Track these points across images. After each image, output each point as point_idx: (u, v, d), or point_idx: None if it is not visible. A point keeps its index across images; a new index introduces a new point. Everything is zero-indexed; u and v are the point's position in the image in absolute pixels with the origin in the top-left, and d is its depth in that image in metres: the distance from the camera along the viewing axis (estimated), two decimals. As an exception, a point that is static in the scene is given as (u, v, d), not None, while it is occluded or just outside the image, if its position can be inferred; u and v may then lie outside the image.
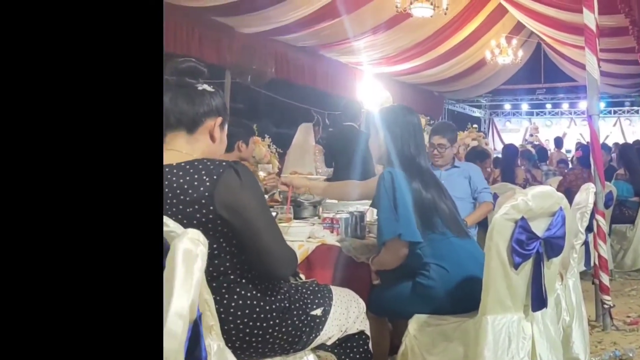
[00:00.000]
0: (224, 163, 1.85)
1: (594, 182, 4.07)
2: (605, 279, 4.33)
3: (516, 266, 2.25)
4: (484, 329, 2.23)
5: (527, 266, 2.30)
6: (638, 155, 6.60)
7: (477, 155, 6.16)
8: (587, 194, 3.34)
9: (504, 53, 11.07)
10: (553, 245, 2.36)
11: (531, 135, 15.99)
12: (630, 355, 3.64)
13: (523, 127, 17.81)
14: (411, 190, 2.56)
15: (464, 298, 2.46)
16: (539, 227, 2.31)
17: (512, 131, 17.68)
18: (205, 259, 1.52)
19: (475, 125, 8.92)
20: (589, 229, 3.37)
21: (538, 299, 2.31)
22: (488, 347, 2.20)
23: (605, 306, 4.30)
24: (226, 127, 2.05)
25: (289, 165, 5.67)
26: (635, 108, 16.56)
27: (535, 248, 2.28)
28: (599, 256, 4.34)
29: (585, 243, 3.59)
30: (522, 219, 2.23)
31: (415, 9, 7.59)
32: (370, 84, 9.84)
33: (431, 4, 7.56)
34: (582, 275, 4.70)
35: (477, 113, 17.75)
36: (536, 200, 2.27)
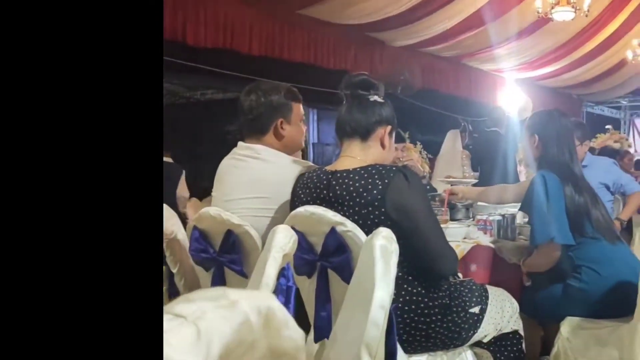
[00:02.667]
0: (394, 168, 1.92)
1: None
2: None
3: (673, 271, 2.12)
4: (639, 335, 2.11)
5: (686, 272, 2.16)
6: None
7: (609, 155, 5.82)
8: None
9: (646, 51, 10.29)
10: None
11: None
12: None
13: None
14: (564, 194, 2.46)
15: (617, 302, 2.34)
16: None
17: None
18: (398, 255, 1.56)
19: (608, 127, 8.36)
20: None
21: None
22: (644, 353, 2.09)
23: None
24: (394, 134, 2.11)
25: (439, 170, 5.66)
26: None
27: (695, 254, 2.14)
28: None
29: None
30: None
31: (557, 13, 7.23)
32: (510, 90, 9.54)
33: (572, 6, 7.19)
34: None
35: (616, 114, 16.65)
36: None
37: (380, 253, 1.52)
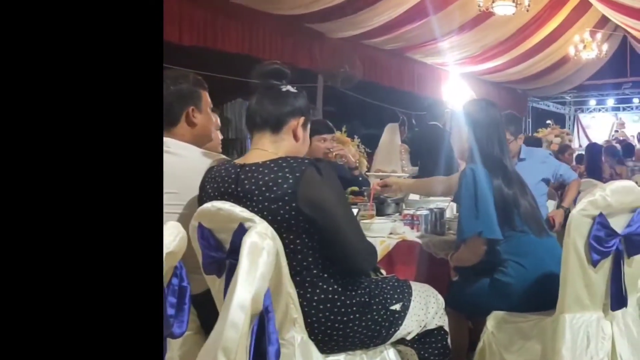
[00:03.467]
0: (306, 161, 1.85)
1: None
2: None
3: (594, 264, 2.12)
4: (561, 328, 2.11)
5: (607, 264, 2.15)
6: None
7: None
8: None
9: (588, 48, 10.52)
10: (634, 243, 2.19)
11: (617, 131, 15.21)
12: None
13: (609, 122, 16.95)
14: (492, 187, 2.45)
15: (542, 295, 2.34)
16: (618, 224, 2.15)
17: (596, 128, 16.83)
18: (272, 253, 1.51)
19: (549, 122, 8.54)
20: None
21: (618, 298, 2.16)
22: (566, 346, 2.09)
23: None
24: (309, 126, 2.05)
25: (377, 164, 5.66)
26: None
27: (614, 245, 2.13)
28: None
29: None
30: (601, 215, 2.10)
31: (498, 7, 7.34)
32: (455, 84, 9.64)
33: (513, 1, 7.29)
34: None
35: (561, 110, 17.04)
36: (615, 195, 2.12)
37: (247, 250, 1.46)
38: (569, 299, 2.13)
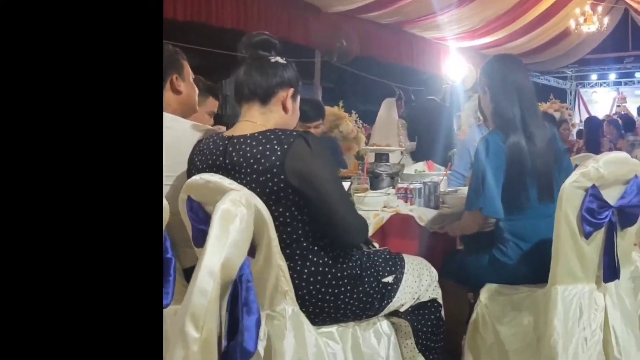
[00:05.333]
0: (294, 133, 1.85)
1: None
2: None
3: (587, 236, 2.12)
4: (553, 299, 2.12)
5: (599, 236, 2.16)
6: None
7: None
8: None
9: (588, 21, 10.45)
10: (627, 215, 2.20)
11: (618, 105, 15.15)
12: None
13: (611, 97, 16.87)
14: (505, 162, 2.38)
15: (539, 270, 2.31)
16: (611, 196, 2.15)
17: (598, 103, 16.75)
18: (246, 220, 1.50)
19: (552, 99, 8.49)
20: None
21: (610, 270, 2.17)
22: (558, 317, 2.10)
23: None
24: (298, 98, 2.04)
25: (375, 140, 5.65)
26: None
27: (607, 217, 2.13)
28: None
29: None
30: (593, 186, 2.09)
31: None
32: (453, 59, 9.58)
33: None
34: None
35: (562, 85, 16.96)
36: (608, 166, 2.12)
37: (219, 216, 1.46)
38: (561, 271, 2.14)
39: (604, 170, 2.11)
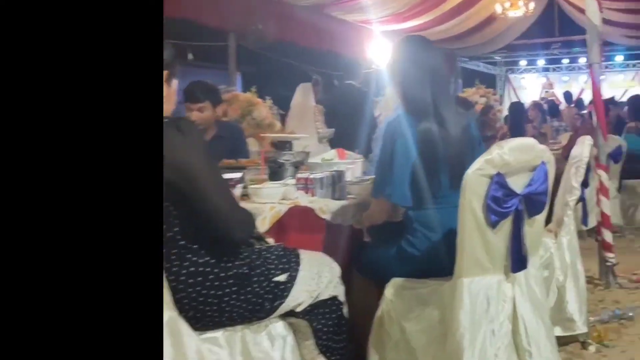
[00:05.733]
0: (165, 120, 1.70)
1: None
2: (608, 236, 4.14)
3: (493, 225, 2.07)
4: (459, 292, 2.07)
5: (506, 225, 2.11)
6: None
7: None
8: (582, 147, 3.13)
9: (514, 6, 10.59)
10: (534, 202, 2.16)
11: (547, 91, 15.57)
12: (630, 314, 3.44)
13: (539, 83, 17.30)
14: (416, 147, 2.31)
15: (447, 263, 2.25)
16: (518, 183, 2.11)
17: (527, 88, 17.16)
18: None
19: (477, 84, 8.57)
20: (585, 184, 3.14)
21: (518, 260, 2.13)
22: (464, 310, 2.04)
23: (608, 264, 4.12)
24: (174, 82, 1.89)
25: (290, 126, 5.52)
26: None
27: (513, 205, 2.09)
28: (602, 213, 4.14)
29: (582, 199, 3.35)
30: (498, 174, 2.04)
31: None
32: (379, 43, 9.54)
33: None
34: (590, 232, 4.52)
35: (492, 70, 17.28)
36: (514, 153, 2.07)
37: None
38: (467, 263, 2.09)
39: (509, 157, 2.05)
